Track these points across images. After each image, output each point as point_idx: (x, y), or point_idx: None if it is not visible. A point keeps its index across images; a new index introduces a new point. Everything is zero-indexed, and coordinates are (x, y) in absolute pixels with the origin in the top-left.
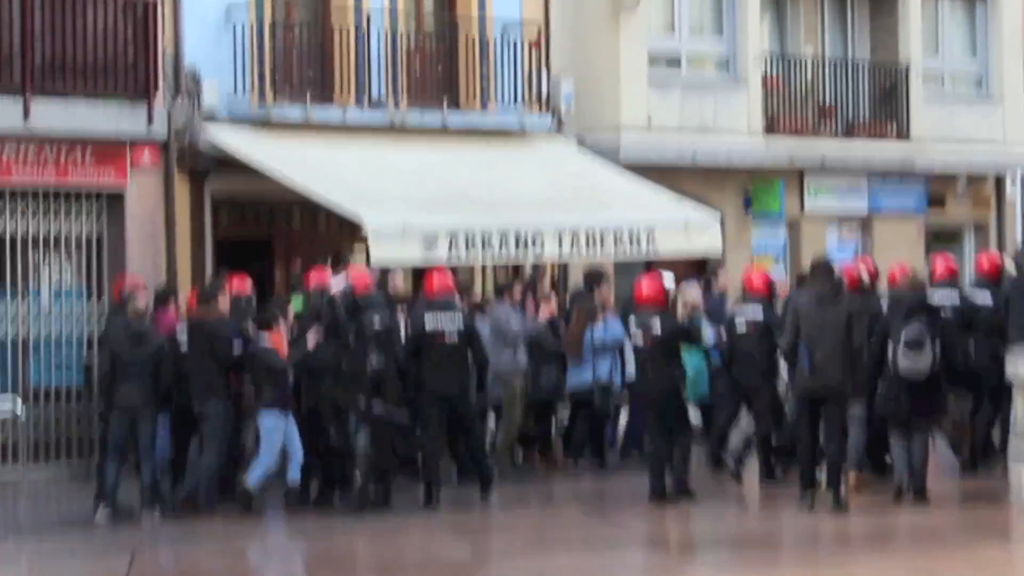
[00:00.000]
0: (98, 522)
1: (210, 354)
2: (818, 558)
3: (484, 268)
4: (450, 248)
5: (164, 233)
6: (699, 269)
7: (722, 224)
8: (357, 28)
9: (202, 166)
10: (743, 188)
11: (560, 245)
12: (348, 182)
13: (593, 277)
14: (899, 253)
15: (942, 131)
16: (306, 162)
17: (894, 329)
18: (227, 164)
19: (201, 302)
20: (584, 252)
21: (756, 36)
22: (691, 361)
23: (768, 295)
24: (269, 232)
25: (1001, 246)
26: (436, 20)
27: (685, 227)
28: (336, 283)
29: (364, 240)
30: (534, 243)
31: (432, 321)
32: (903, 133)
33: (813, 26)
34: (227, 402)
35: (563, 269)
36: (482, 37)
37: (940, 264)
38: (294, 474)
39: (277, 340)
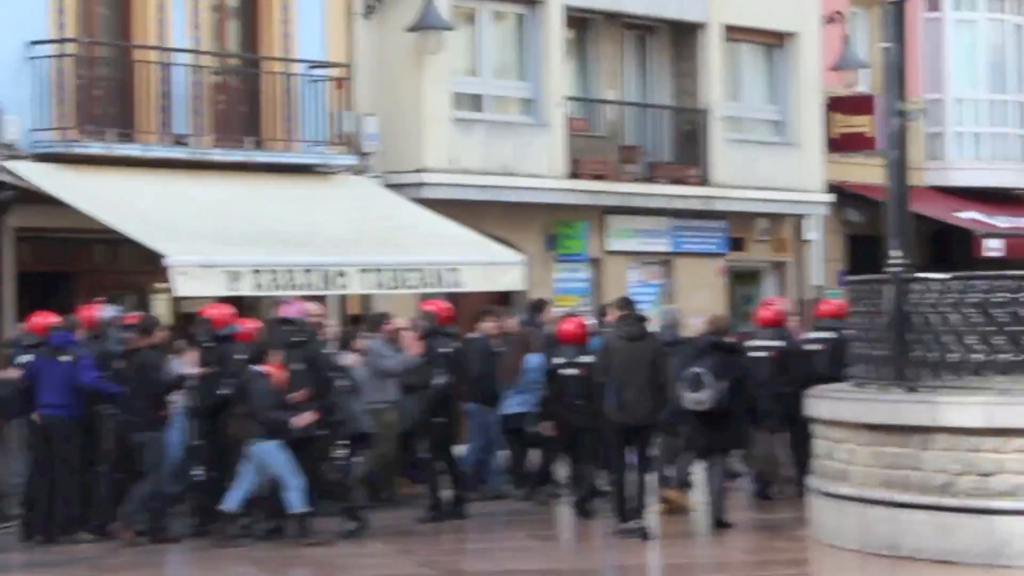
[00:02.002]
0: None
1: (145, 383)
2: None
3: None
4: (255, 284)
5: None
6: (502, 302)
7: (526, 264)
8: (160, 64)
9: (3, 200)
10: (546, 228)
11: (364, 282)
12: (151, 217)
13: (534, 307)
14: (700, 293)
15: (742, 174)
16: (109, 197)
17: (681, 366)
18: (29, 198)
19: (141, 333)
20: (390, 288)
21: (559, 79)
22: None
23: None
24: (71, 266)
25: (800, 287)
26: (240, 57)
27: (489, 265)
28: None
29: (166, 274)
30: (338, 279)
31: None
32: (704, 175)
33: (615, 70)
34: (161, 432)
35: (367, 305)
36: (286, 74)
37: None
38: (296, 503)
39: (276, 370)
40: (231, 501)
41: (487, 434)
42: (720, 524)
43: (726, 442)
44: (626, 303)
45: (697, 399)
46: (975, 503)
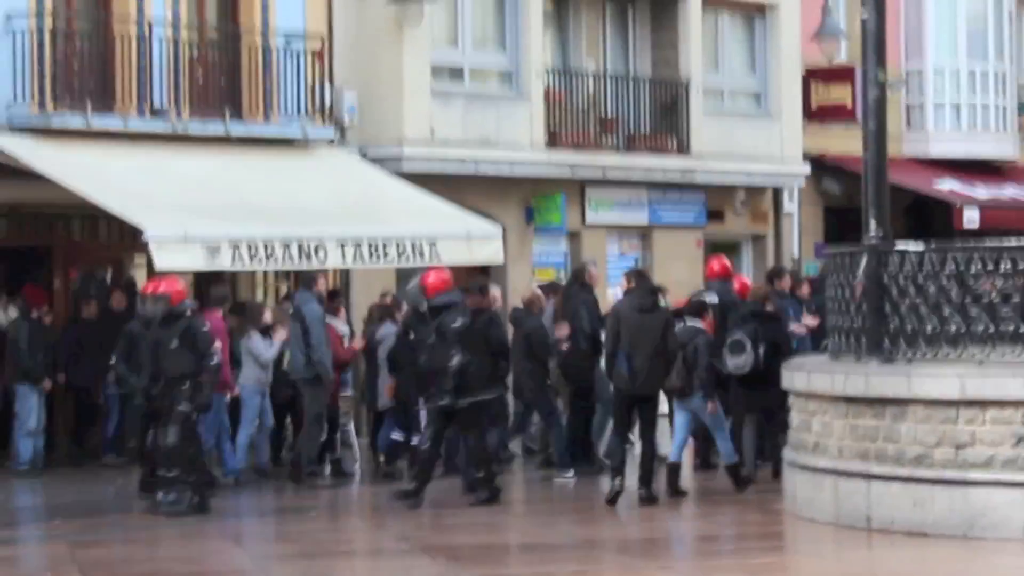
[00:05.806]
0: None
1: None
2: (584, 566)
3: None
4: (233, 257)
5: None
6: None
7: (504, 236)
8: (139, 37)
9: None
10: (525, 200)
11: (343, 255)
12: (129, 190)
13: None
14: (678, 265)
15: (721, 145)
16: (87, 170)
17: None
18: (6, 172)
19: (479, 293)
20: (367, 262)
21: (538, 50)
22: None
23: None
24: (49, 240)
25: (778, 259)
26: (219, 30)
27: (467, 238)
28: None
29: (145, 248)
30: (316, 252)
31: None
32: (683, 147)
33: (595, 40)
34: (502, 390)
35: (345, 277)
36: (265, 47)
37: (715, 263)
38: (728, 454)
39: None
40: (673, 455)
41: None
42: (746, 480)
43: (765, 403)
44: (639, 274)
45: (737, 364)
46: (950, 475)
